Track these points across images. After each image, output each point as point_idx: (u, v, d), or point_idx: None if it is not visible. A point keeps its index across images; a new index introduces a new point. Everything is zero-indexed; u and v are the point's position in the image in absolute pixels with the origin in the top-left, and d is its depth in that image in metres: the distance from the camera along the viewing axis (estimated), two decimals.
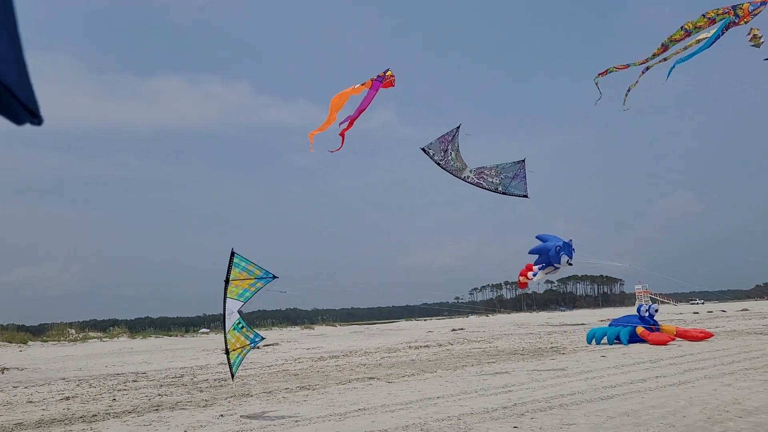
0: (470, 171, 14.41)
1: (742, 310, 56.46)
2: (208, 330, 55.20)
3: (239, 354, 9.94)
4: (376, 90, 11.71)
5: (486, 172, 14.43)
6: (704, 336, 20.16)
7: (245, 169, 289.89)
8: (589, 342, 21.29)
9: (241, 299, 9.67)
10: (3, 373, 17.99)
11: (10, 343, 32.56)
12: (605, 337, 20.74)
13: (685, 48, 15.01)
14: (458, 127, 14.27)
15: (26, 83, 1.19)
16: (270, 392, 11.76)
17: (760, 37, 14.73)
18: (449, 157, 14.23)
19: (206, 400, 11.02)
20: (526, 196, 14.30)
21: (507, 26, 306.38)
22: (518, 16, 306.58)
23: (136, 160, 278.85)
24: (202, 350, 26.94)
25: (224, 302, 9.59)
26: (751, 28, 14.79)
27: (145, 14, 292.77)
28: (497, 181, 14.38)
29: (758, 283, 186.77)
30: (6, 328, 38.46)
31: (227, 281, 9.61)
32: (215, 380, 14.43)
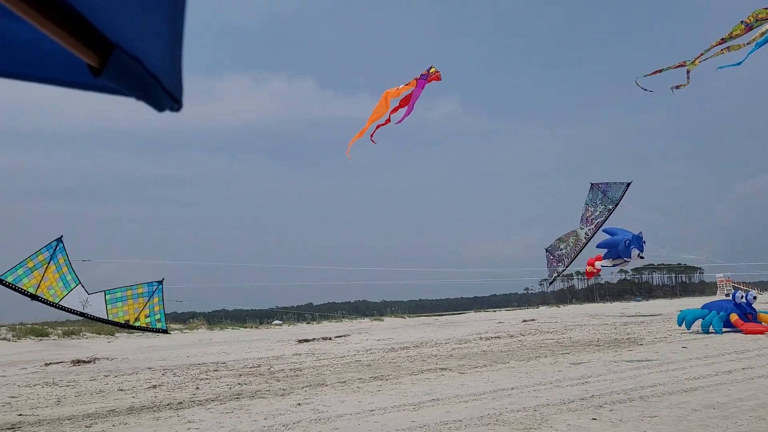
0: (581, 229, 14.21)
1: None
2: (281, 322, 56.58)
3: (149, 315, 9.41)
4: (422, 88, 11.67)
5: (589, 217, 14.14)
6: None
7: (310, 163, 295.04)
8: (680, 324, 20.56)
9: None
10: (94, 363, 19.06)
11: (99, 335, 34.42)
12: (697, 321, 19.89)
13: (749, 43, 14.02)
14: (546, 250, 14.30)
15: (177, 72, 1.26)
16: (344, 382, 11.98)
17: None
18: (564, 254, 14.20)
19: (284, 389, 11.34)
20: (629, 183, 13.88)
21: (570, 7, 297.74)
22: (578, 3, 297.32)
23: (207, 157, 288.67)
24: (276, 341, 27.68)
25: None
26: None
27: (208, 16, 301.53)
28: (602, 209, 14.05)
29: None
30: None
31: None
32: (291, 370, 14.81)
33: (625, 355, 14.28)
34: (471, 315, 67.75)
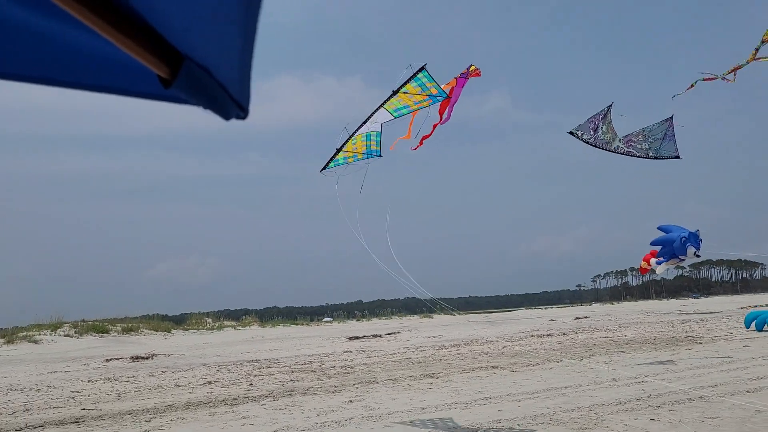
0: (619, 140, 13.73)
1: None
2: (331, 319, 57.16)
3: (347, 157, 9.56)
4: (462, 86, 11.54)
5: (634, 138, 13.67)
6: None
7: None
8: (748, 326, 19.82)
9: (395, 114, 9.22)
10: (152, 359, 19.67)
11: (156, 331, 35.50)
12: (766, 324, 19.13)
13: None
14: (610, 106, 13.72)
15: (245, 81, 1.29)
16: (395, 380, 12.02)
17: None
18: (599, 133, 13.69)
19: (335, 386, 11.46)
20: (678, 157, 13.39)
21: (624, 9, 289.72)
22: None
23: (260, 157, 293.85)
24: (327, 338, 27.97)
25: (375, 110, 9.07)
26: None
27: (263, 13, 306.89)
28: (647, 146, 13.56)
29: None
30: (152, 317, 41.97)
31: (395, 92, 9.05)
32: (342, 367, 14.95)
33: (684, 354, 13.87)
34: (522, 312, 66.94)
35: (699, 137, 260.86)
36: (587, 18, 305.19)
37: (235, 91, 1.26)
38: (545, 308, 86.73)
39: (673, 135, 13.40)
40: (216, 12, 1.10)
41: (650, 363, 12.47)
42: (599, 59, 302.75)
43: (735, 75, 13.96)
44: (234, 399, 10.57)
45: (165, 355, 21.00)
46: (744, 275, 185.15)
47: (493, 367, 13.37)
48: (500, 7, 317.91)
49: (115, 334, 32.93)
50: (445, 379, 11.69)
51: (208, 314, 48.74)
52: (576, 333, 23.61)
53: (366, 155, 9.75)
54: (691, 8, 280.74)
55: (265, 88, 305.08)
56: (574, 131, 13.68)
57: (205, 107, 1.25)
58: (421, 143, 12.25)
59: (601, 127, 13.70)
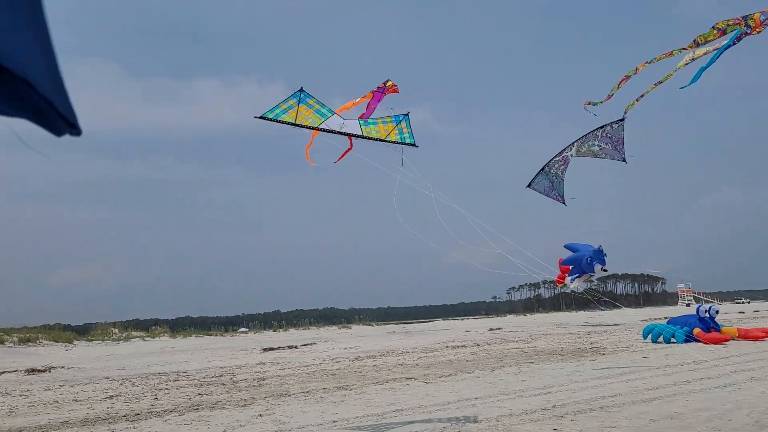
0: (568, 154, 14.04)
1: None
2: (247, 329, 55.87)
3: (398, 134, 9.03)
4: (378, 101, 11.64)
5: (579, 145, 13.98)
6: (767, 334, 19.43)
7: (282, 170, 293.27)
8: (645, 337, 20.91)
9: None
10: (50, 372, 18.52)
11: (57, 342, 33.52)
12: (661, 336, 20.25)
13: (693, 59, 14.41)
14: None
15: (63, 96, 1.20)
16: (308, 392, 11.84)
17: None
18: (556, 177, 14.10)
19: (245, 400, 11.15)
20: (624, 160, 13.91)
21: (543, 19, 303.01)
22: (555, 7, 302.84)
23: (176, 162, 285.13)
24: (241, 349, 27.29)
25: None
26: None
27: (182, 18, 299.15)
28: (597, 149, 13.94)
29: None
30: (52, 327, 39.60)
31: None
32: (254, 380, 14.59)
33: (588, 365, 14.43)
34: (439, 323, 67.93)
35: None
36: (507, 33, 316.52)
37: (60, 106, 1.17)
38: (462, 319, 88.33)
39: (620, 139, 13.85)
40: (13, 20, 1.02)
41: (556, 374, 12.89)
42: (522, 77, 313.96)
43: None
44: (136, 414, 10.07)
45: (64, 367, 19.83)
46: (646, 289, 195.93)
47: (407, 378, 13.42)
48: (428, 23, 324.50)
49: (11, 344, 30.82)
50: (359, 391, 11.62)
51: (114, 324, 46.53)
52: (489, 344, 24.14)
53: (395, 120, 9.35)
54: (613, 32, 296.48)
55: (184, 92, 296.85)
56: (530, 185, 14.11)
57: (33, 121, 1.16)
58: (342, 156, 12.21)
59: (558, 177, 14.14)
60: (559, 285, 17.91)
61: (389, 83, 11.82)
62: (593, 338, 24.98)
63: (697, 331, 19.54)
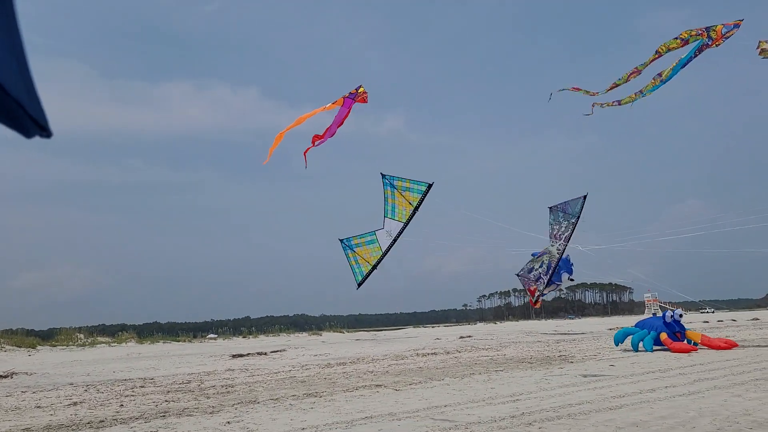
0: (553, 246, 14.76)
1: (753, 319, 55.95)
2: (216, 335, 55.25)
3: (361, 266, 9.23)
4: (349, 107, 11.72)
5: (556, 234, 14.68)
6: (728, 346, 19.88)
7: (253, 174, 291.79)
8: (617, 343, 21.55)
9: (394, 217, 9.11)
10: (12, 378, 18.06)
11: (20, 347, 32.71)
12: (629, 338, 20.85)
13: (659, 74, 14.91)
14: (518, 274, 14.83)
15: (33, 97, 1.18)
16: (277, 399, 11.74)
17: None
18: (542, 269, 14.66)
19: (213, 407, 11.01)
20: (584, 196, 14.42)
21: (513, 31, 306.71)
22: (524, 20, 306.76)
23: (145, 165, 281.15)
24: (209, 356, 26.96)
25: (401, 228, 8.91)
26: (760, 41, 14.70)
27: (154, 20, 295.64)
28: (567, 224, 14.61)
29: None
30: (15, 332, 38.66)
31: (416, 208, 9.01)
32: (222, 387, 14.42)
33: (556, 373, 14.58)
34: (409, 330, 68.00)
35: (582, 165, 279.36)
36: (475, 43, 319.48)
37: (29, 108, 1.16)
38: (432, 327, 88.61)
39: (565, 202, 14.46)
40: None
41: (525, 381, 12.99)
42: (490, 81, 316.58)
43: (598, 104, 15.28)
44: (101, 421, 9.87)
45: (27, 373, 19.35)
46: (614, 298, 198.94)
47: (376, 385, 13.40)
48: (398, 31, 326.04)
49: None
50: (328, 398, 11.56)
51: (80, 329, 45.56)
52: (459, 352, 24.24)
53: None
54: (582, 43, 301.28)
55: (155, 94, 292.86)
56: (541, 295, 14.67)
57: (1, 123, 1.15)
58: (305, 156, 12.21)
59: (534, 269, 14.79)
60: (535, 306, 18.30)
61: (361, 90, 11.89)
62: (562, 346, 25.26)
63: (664, 336, 19.99)
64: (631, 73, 14.80)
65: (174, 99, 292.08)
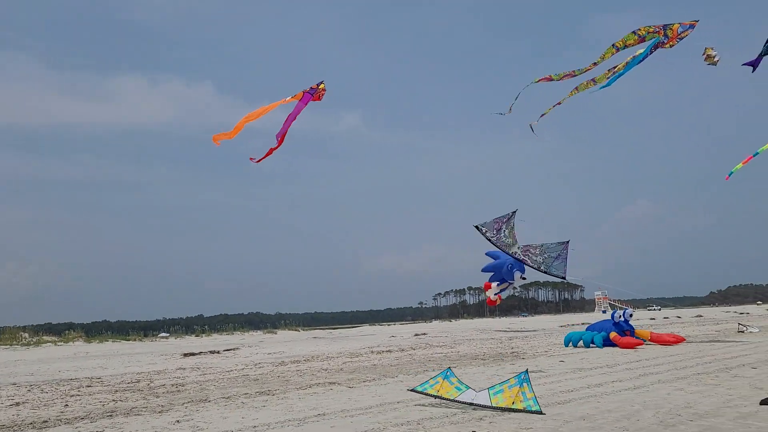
0: (518, 248, 14.94)
1: (697, 316, 58.00)
2: (168, 334, 54.18)
3: (523, 401, 9.17)
4: (306, 103, 11.64)
5: (531, 250, 14.98)
6: (676, 340, 20.71)
7: (208, 171, 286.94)
8: (566, 345, 21.84)
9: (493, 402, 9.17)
10: None
11: None
12: (581, 341, 21.24)
13: (614, 68, 15.36)
14: (514, 212, 14.93)
15: None
16: (228, 397, 11.59)
17: (714, 56, 15.16)
18: (502, 235, 14.77)
19: (162, 406, 10.79)
20: (564, 278, 14.77)
21: (476, 31, 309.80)
22: (488, 20, 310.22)
23: (95, 160, 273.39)
24: (160, 355, 26.44)
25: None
26: (706, 48, 15.24)
27: (106, 10, 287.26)
28: (540, 260, 14.91)
29: (712, 290, 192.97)
30: None
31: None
32: (172, 386, 14.16)
33: (508, 369, 14.81)
34: (365, 328, 68.09)
35: (544, 164, 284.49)
36: (436, 44, 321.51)
37: None
38: (388, 325, 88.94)
39: (566, 258, 14.78)
40: None
41: (477, 378, 13.16)
42: (449, 81, 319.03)
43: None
44: (44, 422, 9.57)
45: None
46: (566, 296, 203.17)
47: (330, 383, 13.37)
48: (358, 28, 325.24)
49: None
50: (281, 396, 11.48)
51: (24, 328, 44.04)
52: (414, 349, 24.40)
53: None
54: (541, 46, 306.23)
55: (106, 87, 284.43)
56: (479, 226, 14.81)
57: None
58: (265, 156, 12.10)
59: (504, 231, 14.91)
60: (491, 304, 18.63)
61: (321, 86, 11.81)
62: (514, 343, 25.70)
63: (613, 334, 20.61)
64: (588, 68, 15.21)
65: (126, 92, 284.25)
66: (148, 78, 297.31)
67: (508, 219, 15.06)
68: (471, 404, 8.98)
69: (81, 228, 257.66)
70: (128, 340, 43.79)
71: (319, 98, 11.59)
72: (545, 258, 14.86)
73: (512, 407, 8.64)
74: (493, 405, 8.80)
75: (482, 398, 9.00)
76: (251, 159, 12.06)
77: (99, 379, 16.31)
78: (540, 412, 8.40)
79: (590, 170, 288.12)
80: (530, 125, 15.48)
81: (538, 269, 15.10)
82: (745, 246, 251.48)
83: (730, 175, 20.04)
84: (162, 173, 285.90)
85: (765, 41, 14.20)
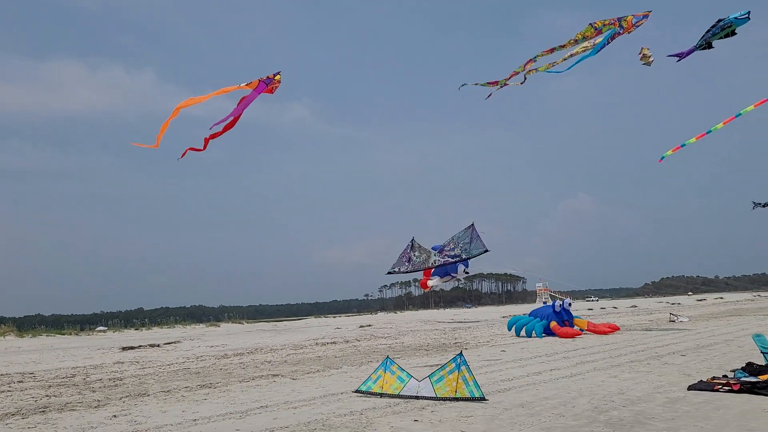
0: (435, 255, 15.16)
1: (632, 306, 60.29)
2: (106, 328, 52.60)
3: (465, 386, 9.03)
4: (259, 93, 11.43)
5: (447, 249, 15.14)
6: (611, 330, 21.59)
7: (150, 160, 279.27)
8: (510, 329, 22.73)
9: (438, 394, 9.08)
10: None
11: None
12: (524, 329, 21.96)
13: (571, 55, 15.96)
14: (412, 240, 15.23)
15: None
16: (168, 391, 11.35)
17: (649, 56, 15.82)
18: (414, 259, 15.03)
19: (98, 401, 10.49)
20: (487, 251, 15.01)
21: (422, 24, 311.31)
22: (435, 14, 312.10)
23: (30, 148, 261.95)
24: (97, 349, 25.65)
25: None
26: (642, 47, 15.88)
27: None
28: (459, 251, 15.10)
29: (647, 281, 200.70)
30: None
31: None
32: (110, 380, 13.77)
33: (451, 359, 15.04)
34: (310, 320, 67.81)
35: (488, 158, 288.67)
36: (382, 37, 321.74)
37: None
38: (334, 317, 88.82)
39: (478, 236, 15.06)
40: None
41: (420, 368, 13.31)
42: (396, 75, 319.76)
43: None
44: None
45: None
46: (509, 288, 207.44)
47: (273, 375, 13.27)
48: (307, 19, 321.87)
49: None
50: (223, 389, 11.33)
51: None
52: (359, 341, 24.47)
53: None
54: (491, 38, 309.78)
55: (40, 72, 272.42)
56: (391, 271, 15.09)
57: None
58: (212, 137, 11.82)
59: (414, 253, 15.21)
60: (425, 288, 18.85)
61: (277, 77, 11.59)
62: (457, 334, 26.10)
63: (553, 324, 21.30)
64: (543, 53, 15.68)
65: (62, 78, 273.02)
66: (84, 63, 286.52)
67: (411, 246, 15.62)
68: (416, 398, 9.07)
69: (13, 218, 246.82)
70: (63, 334, 42.21)
71: (271, 91, 11.39)
72: (462, 247, 15.21)
73: (456, 396, 8.78)
74: (438, 396, 8.93)
75: (426, 390, 9.11)
76: (179, 158, 11.64)
77: (31, 375, 15.70)
78: (483, 398, 8.59)
79: (533, 164, 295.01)
80: (458, 87, 16.06)
81: (462, 259, 15.46)
82: (677, 240, 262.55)
83: (662, 159, 21.11)
84: (101, 162, 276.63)
85: (701, 36, 14.89)
